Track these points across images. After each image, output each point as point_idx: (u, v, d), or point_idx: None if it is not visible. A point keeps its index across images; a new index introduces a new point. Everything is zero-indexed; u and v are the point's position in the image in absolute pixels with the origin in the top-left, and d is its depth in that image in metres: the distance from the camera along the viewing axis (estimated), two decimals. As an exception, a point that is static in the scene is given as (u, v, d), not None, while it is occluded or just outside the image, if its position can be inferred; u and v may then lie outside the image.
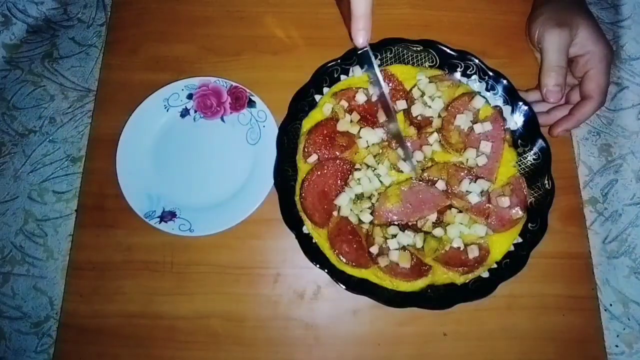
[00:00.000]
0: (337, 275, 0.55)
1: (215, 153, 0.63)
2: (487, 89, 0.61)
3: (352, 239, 0.56)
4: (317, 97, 0.62)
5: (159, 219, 0.59)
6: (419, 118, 0.60)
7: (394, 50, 0.61)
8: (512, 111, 0.60)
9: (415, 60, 0.62)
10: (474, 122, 0.59)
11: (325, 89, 0.62)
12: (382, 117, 0.60)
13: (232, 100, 0.64)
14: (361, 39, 0.50)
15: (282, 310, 0.58)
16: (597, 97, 0.57)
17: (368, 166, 0.58)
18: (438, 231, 0.56)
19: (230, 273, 0.59)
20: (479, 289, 0.54)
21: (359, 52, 0.51)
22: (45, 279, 0.71)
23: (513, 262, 0.55)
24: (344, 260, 0.55)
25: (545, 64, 0.58)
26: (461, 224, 0.56)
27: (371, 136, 0.59)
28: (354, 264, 0.55)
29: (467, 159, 0.59)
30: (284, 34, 0.68)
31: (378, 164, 0.58)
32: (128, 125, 0.62)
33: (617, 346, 0.65)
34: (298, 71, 0.61)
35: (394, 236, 0.55)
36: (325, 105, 0.61)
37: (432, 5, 0.69)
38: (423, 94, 0.61)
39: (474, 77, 0.61)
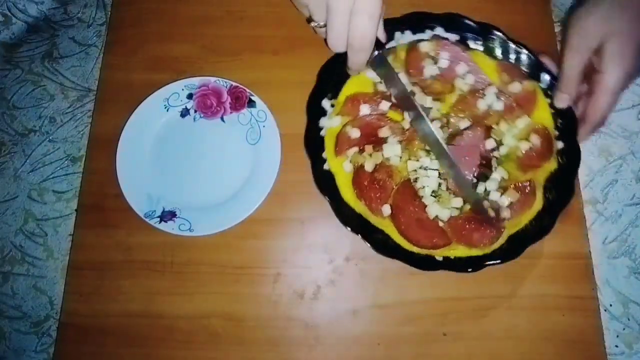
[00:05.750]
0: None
1: (215, 153, 0.63)
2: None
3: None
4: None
5: (159, 219, 0.59)
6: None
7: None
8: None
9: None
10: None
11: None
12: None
13: (232, 100, 0.64)
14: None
15: (282, 310, 0.58)
16: (590, 119, 0.54)
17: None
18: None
19: (230, 273, 0.59)
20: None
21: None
22: (45, 278, 0.71)
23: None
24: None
25: (562, 67, 0.55)
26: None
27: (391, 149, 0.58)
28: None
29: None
30: (284, 34, 0.68)
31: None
32: (128, 125, 0.62)
33: (617, 346, 0.65)
34: (298, 71, 0.61)
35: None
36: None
37: (433, 5, 0.69)
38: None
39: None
